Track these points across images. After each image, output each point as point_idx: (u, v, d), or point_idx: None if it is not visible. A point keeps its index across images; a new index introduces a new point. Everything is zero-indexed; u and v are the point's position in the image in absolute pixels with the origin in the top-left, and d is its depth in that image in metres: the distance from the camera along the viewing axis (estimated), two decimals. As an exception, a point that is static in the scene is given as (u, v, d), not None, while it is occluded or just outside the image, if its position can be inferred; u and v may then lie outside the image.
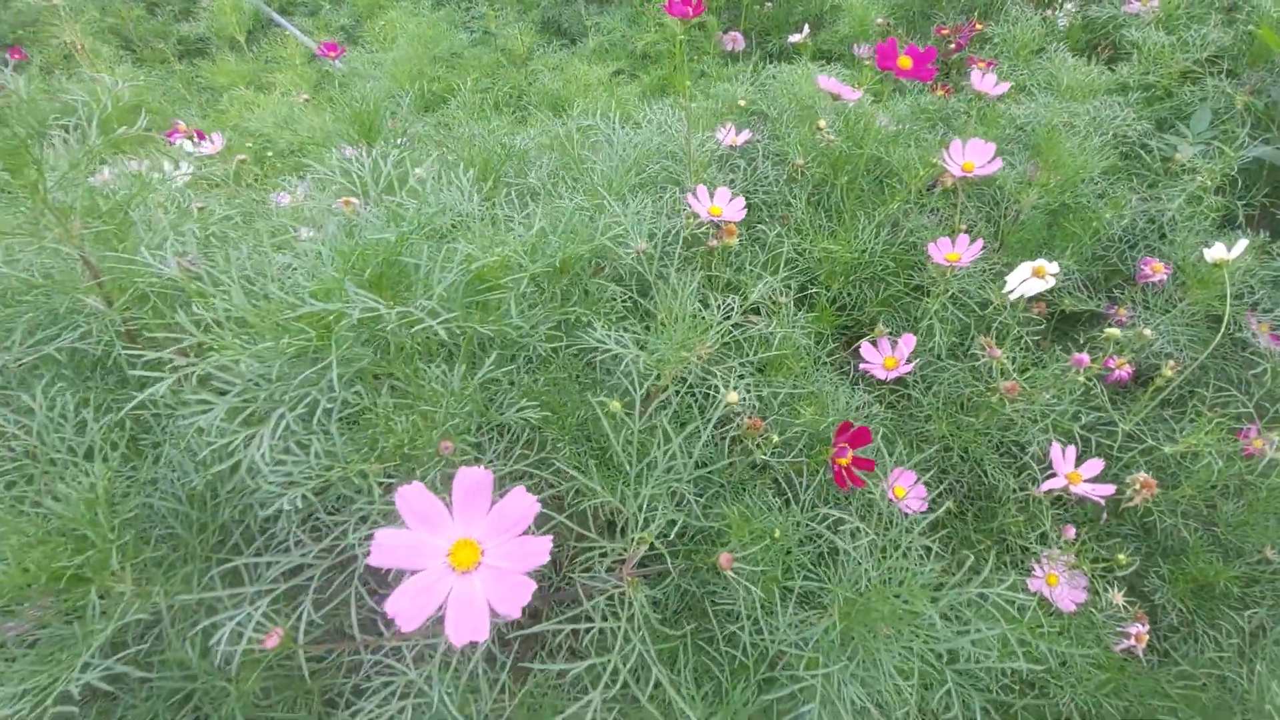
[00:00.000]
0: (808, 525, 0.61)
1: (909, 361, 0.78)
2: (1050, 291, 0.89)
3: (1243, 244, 0.76)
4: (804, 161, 1.01)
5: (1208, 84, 1.18)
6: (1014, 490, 0.79)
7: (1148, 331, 0.78)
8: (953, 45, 1.49)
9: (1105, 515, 0.84)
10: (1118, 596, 0.71)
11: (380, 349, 0.53)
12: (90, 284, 0.64)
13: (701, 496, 0.65)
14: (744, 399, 0.63)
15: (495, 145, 0.87)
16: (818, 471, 0.67)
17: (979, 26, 1.53)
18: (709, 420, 0.56)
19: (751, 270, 0.83)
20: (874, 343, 0.81)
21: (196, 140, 1.20)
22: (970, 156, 0.86)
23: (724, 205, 0.80)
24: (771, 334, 0.73)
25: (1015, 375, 0.74)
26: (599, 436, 0.67)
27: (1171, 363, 0.72)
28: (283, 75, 2.02)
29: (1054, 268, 0.74)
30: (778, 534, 0.58)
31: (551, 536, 0.36)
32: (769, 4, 2.14)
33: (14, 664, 0.46)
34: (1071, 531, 0.74)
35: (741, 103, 1.14)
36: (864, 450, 0.64)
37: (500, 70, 2.14)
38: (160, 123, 1.78)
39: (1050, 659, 0.63)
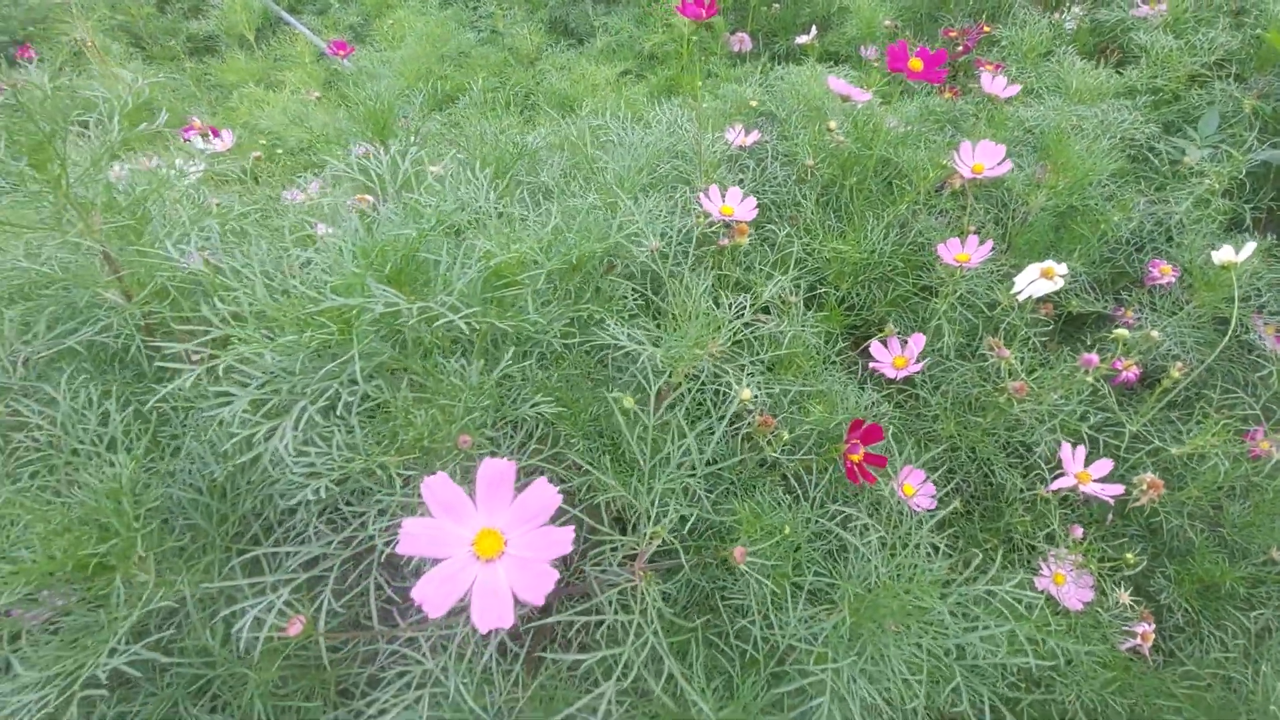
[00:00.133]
0: (817, 522, 0.61)
1: (917, 361, 0.79)
2: (1058, 293, 0.90)
3: (1250, 247, 0.76)
4: (814, 162, 1.01)
5: (1215, 87, 1.19)
6: (1021, 490, 0.80)
7: (1155, 333, 0.78)
8: (960, 48, 1.50)
9: (1112, 516, 0.84)
10: (1124, 596, 0.72)
11: (398, 344, 0.54)
12: (110, 278, 0.65)
13: (712, 493, 0.66)
14: (755, 396, 0.64)
15: (508, 144, 0.88)
16: (827, 469, 0.67)
17: (987, 29, 1.54)
18: (722, 416, 0.57)
19: (761, 270, 0.83)
20: (884, 342, 0.82)
21: (210, 137, 1.21)
22: (980, 158, 0.87)
23: (736, 205, 0.81)
24: (781, 333, 0.74)
25: (1023, 376, 0.75)
26: (611, 432, 0.68)
27: (1179, 364, 0.73)
28: (292, 73, 2.03)
29: (1062, 269, 0.74)
30: (788, 530, 0.59)
31: (573, 527, 0.37)
32: (776, 5, 2.15)
33: (39, 650, 0.47)
34: (1079, 531, 0.75)
35: (753, 103, 1.15)
36: (875, 447, 0.65)
37: (508, 70, 2.16)
38: (171, 120, 1.79)
39: (1057, 656, 0.64)
